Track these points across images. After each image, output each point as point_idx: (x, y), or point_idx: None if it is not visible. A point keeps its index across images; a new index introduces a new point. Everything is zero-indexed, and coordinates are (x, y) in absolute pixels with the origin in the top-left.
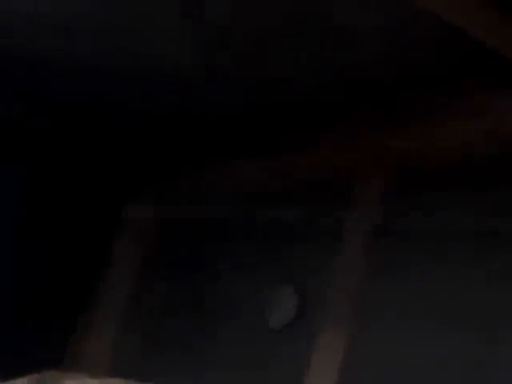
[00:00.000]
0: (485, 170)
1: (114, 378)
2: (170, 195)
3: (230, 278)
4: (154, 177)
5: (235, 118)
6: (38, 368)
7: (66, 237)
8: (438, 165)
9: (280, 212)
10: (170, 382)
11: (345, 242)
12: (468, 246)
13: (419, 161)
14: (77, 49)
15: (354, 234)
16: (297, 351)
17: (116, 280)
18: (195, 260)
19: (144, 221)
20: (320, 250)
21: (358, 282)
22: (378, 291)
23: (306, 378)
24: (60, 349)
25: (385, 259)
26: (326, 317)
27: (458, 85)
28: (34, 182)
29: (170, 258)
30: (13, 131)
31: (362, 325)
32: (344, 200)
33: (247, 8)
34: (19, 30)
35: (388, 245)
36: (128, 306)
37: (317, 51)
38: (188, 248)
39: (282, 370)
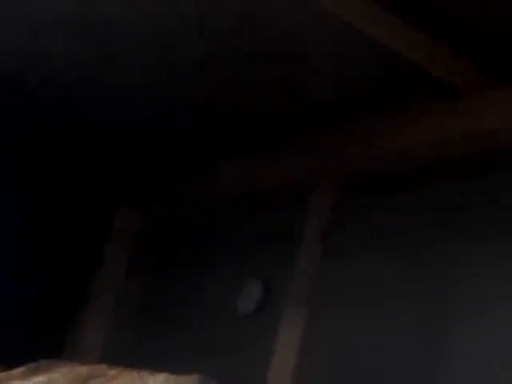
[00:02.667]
0: (423, 172)
1: (101, 364)
2: (154, 201)
3: (207, 274)
4: (140, 183)
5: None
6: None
7: (61, 241)
8: (379, 170)
9: (250, 214)
10: (155, 367)
11: (304, 240)
12: (413, 234)
13: (364, 166)
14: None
15: (312, 232)
16: (263, 335)
17: (107, 279)
18: (175, 258)
19: (131, 225)
20: (283, 248)
21: (315, 273)
22: (333, 280)
23: (272, 359)
24: (58, 342)
25: (338, 252)
26: (287, 304)
27: (395, 100)
28: (32, 192)
29: (153, 257)
30: (9, 145)
31: (319, 309)
32: (303, 202)
33: None
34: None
35: (341, 240)
36: (118, 303)
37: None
38: (168, 248)
39: (250, 352)
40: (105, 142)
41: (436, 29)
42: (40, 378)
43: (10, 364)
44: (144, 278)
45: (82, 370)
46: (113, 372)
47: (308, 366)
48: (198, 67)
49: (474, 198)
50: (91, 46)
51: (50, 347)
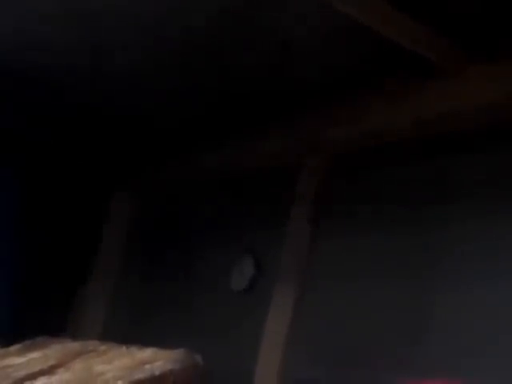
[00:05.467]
0: (407, 148)
1: (92, 340)
2: (150, 185)
3: (202, 253)
4: (137, 169)
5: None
6: None
7: (61, 223)
8: (366, 149)
9: (241, 193)
10: (151, 343)
11: (294, 217)
12: (399, 209)
13: (349, 145)
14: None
15: (301, 209)
16: (256, 310)
17: (106, 259)
18: (171, 239)
19: (127, 206)
20: (274, 224)
21: (305, 251)
22: (323, 255)
23: (263, 335)
24: (61, 319)
25: (327, 228)
26: (279, 280)
27: (379, 78)
28: (30, 177)
29: (149, 238)
30: (7, 131)
31: (310, 284)
32: (292, 180)
33: None
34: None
35: (330, 217)
36: (117, 281)
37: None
38: (165, 228)
39: (244, 326)
40: (103, 128)
41: (415, 6)
42: (35, 354)
43: (12, 342)
44: (142, 256)
45: (75, 345)
46: (103, 347)
47: (299, 340)
48: (186, 54)
49: (452, 177)
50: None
51: (51, 325)
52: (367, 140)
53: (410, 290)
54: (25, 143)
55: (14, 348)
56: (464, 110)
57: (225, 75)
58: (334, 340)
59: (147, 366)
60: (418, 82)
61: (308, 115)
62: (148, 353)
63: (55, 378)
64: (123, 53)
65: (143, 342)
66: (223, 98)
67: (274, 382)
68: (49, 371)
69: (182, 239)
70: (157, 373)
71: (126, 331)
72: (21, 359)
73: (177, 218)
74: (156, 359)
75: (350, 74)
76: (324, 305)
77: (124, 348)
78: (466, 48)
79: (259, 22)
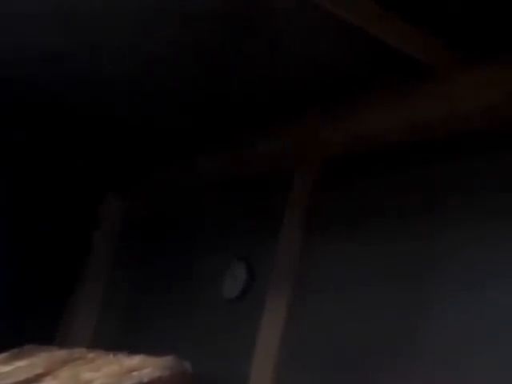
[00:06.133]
0: (398, 153)
1: (79, 348)
2: (141, 189)
3: (192, 259)
4: (129, 174)
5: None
6: None
7: (50, 228)
8: (354, 152)
9: (235, 199)
10: (142, 351)
11: (286, 223)
12: (392, 214)
13: (338, 149)
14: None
15: (293, 215)
16: (249, 317)
17: (96, 265)
18: (162, 244)
19: (118, 211)
20: (267, 231)
21: (298, 256)
22: (316, 261)
23: (257, 341)
24: (51, 329)
25: (320, 233)
26: (272, 286)
27: (371, 82)
28: (19, 180)
29: (140, 243)
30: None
31: (303, 290)
32: (285, 189)
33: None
34: None
35: (322, 222)
36: (107, 288)
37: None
38: (154, 234)
39: (237, 334)
40: (92, 130)
41: (406, 6)
42: (22, 363)
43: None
44: (131, 263)
45: (62, 353)
46: (91, 355)
47: (292, 347)
48: (174, 60)
49: (450, 181)
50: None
51: (40, 334)
52: (360, 144)
53: (405, 296)
54: (13, 145)
55: (0, 356)
56: (457, 113)
57: (214, 77)
58: (328, 345)
59: (135, 374)
60: (410, 85)
61: (301, 119)
62: (136, 360)
63: None
64: (116, 55)
65: (134, 350)
66: (215, 102)
67: None
68: (35, 379)
69: (173, 246)
70: (145, 380)
71: (116, 340)
72: (7, 367)
73: (168, 224)
74: (144, 366)
75: (340, 76)
76: (317, 310)
77: (112, 355)
78: (460, 49)
79: (246, 23)
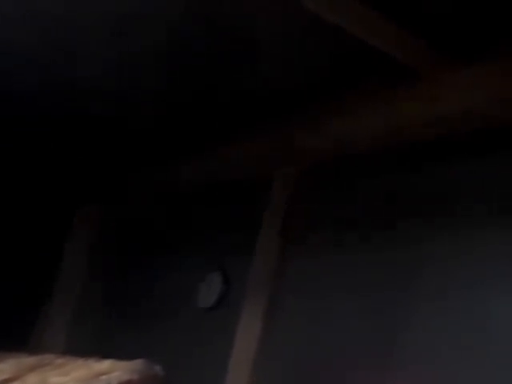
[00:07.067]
0: (378, 158)
1: (48, 354)
2: (114, 197)
3: (168, 268)
4: (103, 180)
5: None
6: None
7: (23, 239)
8: (334, 159)
9: (210, 207)
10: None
11: (263, 231)
12: (372, 221)
13: (324, 156)
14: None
15: (271, 223)
16: (224, 327)
17: (68, 275)
18: (136, 254)
19: (91, 222)
20: (243, 239)
21: (274, 265)
22: (293, 269)
23: (233, 350)
24: (23, 339)
25: (298, 242)
26: (247, 295)
27: (354, 84)
28: None
29: (114, 253)
30: None
31: (279, 299)
32: (263, 196)
33: None
34: None
35: (300, 230)
36: (80, 298)
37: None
38: (129, 243)
39: (212, 343)
40: (64, 140)
41: (389, 6)
42: None
43: None
44: (105, 274)
45: (30, 359)
46: (60, 360)
47: (268, 356)
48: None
49: (434, 185)
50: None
51: (13, 342)
52: (341, 149)
53: (385, 305)
54: None
55: None
56: (441, 115)
57: (192, 85)
58: (305, 355)
59: (104, 377)
60: (393, 86)
61: (280, 124)
62: (106, 364)
63: None
64: (91, 54)
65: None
66: (190, 107)
67: None
68: None
69: (147, 255)
70: (114, 383)
71: (90, 349)
72: None
73: (143, 234)
74: (113, 370)
75: (323, 77)
76: (294, 320)
77: (81, 360)
78: (444, 50)
79: (227, 24)
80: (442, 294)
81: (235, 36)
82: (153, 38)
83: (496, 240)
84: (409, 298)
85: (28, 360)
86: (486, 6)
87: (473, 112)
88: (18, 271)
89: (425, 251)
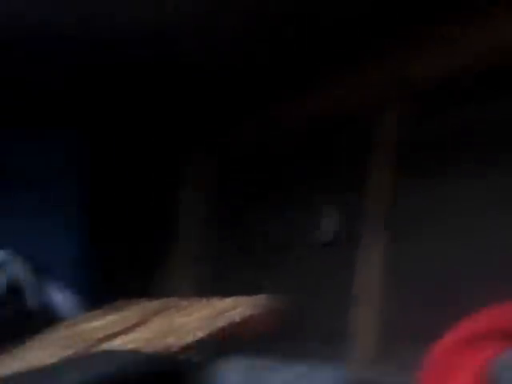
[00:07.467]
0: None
1: (172, 297)
2: (228, 145)
3: (284, 205)
4: (214, 127)
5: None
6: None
7: (136, 187)
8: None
9: (322, 146)
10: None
11: (376, 164)
12: (490, 152)
13: (436, 84)
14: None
15: (381, 157)
16: (342, 261)
17: (185, 224)
18: (258, 196)
19: (207, 166)
20: (357, 177)
21: (389, 199)
22: (408, 201)
23: (354, 282)
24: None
25: (412, 173)
26: (365, 229)
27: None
28: (101, 142)
29: (229, 197)
30: (69, 92)
31: (396, 232)
32: (370, 129)
33: None
34: None
35: (414, 161)
36: (197, 244)
37: None
38: (246, 184)
39: (332, 279)
40: (175, 87)
41: None
42: (114, 317)
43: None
44: (221, 219)
45: (154, 304)
46: (184, 302)
47: (393, 288)
48: None
49: None
50: None
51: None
52: (454, 75)
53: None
54: (90, 102)
55: (94, 312)
56: None
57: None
58: (432, 283)
59: (227, 314)
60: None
61: (387, 54)
62: (228, 302)
63: (134, 335)
64: None
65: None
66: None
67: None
68: (128, 330)
69: (263, 196)
70: (237, 319)
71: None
72: (100, 322)
73: (256, 175)
74: (236, 306)
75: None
76: (415, 247)
77: (204, 301)
78: None
79: None
80: None
81: None
82: None
83: None
84: None
85: (152, 304)
86: None
87: None
88: (134, 222)
89: None
